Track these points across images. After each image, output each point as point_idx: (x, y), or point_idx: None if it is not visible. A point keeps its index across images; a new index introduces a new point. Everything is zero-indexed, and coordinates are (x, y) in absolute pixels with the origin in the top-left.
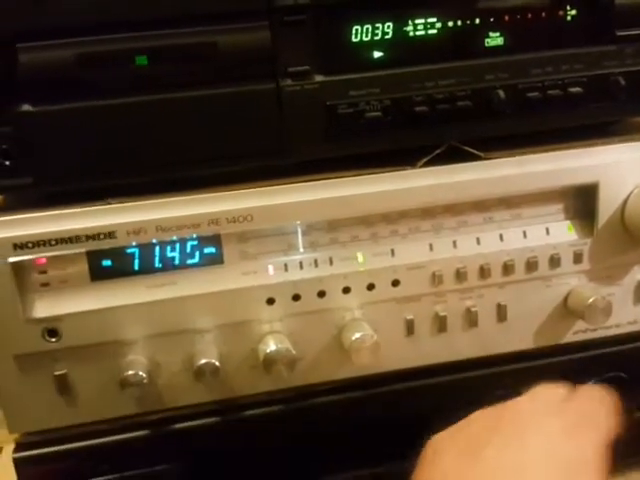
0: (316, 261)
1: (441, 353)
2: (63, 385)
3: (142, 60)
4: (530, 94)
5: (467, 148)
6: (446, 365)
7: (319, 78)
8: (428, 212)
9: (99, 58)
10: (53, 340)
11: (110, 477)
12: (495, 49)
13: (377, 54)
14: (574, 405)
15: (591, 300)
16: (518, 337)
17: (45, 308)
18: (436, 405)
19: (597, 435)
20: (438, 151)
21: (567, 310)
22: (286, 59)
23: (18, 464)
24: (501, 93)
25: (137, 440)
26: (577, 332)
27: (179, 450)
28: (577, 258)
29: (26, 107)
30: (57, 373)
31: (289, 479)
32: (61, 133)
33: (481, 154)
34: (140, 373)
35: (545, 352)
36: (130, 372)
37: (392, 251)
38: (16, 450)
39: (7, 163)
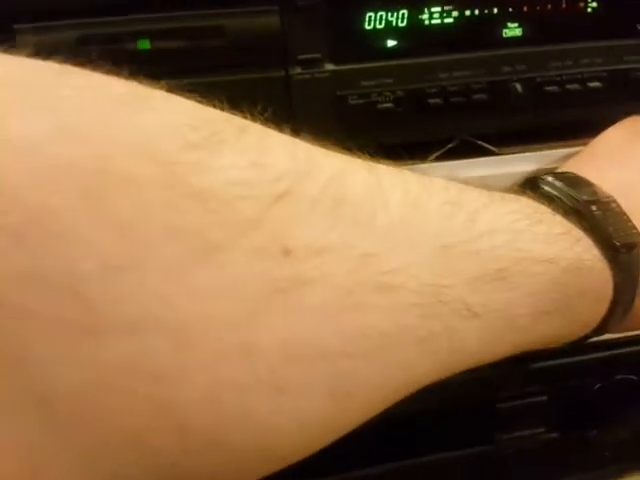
0: None
1: None
2: None
3: (144, 44)
4: (548, 88)
5: (481, 143)
6: None
7: (330, 67)
8: None
9: (99, 41)
10: None
11: None
12: (513, 40)
13: (391, 43)
14: None
15: None
16: None
17: None
18: (445, 404)
19: None
20: (450, 145)
21: None
22: (296, 46)
23: None
24: (518, 86)
25: None
26: None
27: None
28: None
29: None
30: None
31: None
32: None
33: (495, 149)
34: None
35: (550, 354)
36: None
37: None
38: None
39: None
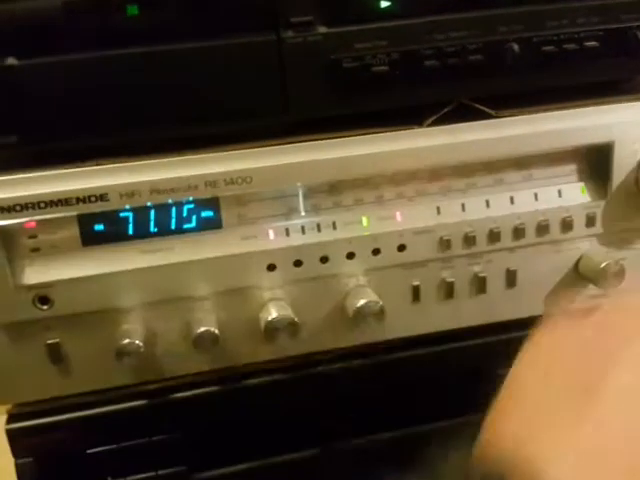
0: (319, 225)
1: (448, 320)
2: (56, 354)
3: (133, 10)
4: (545, 48)
5: (478, 106)
6: (453, 332)
7: (322, 30)
8: (436, 174)
9: (87, 7)
10: (44, 308)
11: (106, 448)
12: None
13: (384, 3)
14: None
15: (603, 265)
16: (527, 303)
17: (35, 274)
18: (442, 373)
19: None
20: (447, 109)
21: (578, 275)
22: (287, 9)
23: (11, 436)
24: (515, 46)
25: (134, 411)
26: (588, 298)
27: (177, 421)
28: (590, 221)
29: (10, 60)
30: (49, 342)
31: (291, 448)
32: (47, 88)
33: (492, 112)
34: (136, 342)
35: None
36: (126, 341)
37: (398, 214)
38: (9, 421)
39: None
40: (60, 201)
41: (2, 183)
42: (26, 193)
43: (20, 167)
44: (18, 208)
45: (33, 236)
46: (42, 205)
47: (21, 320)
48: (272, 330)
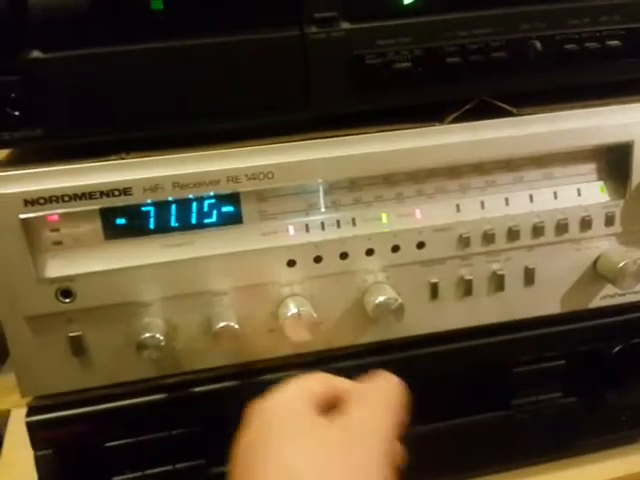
0: (338, 222)
1: (465, 318)
2: (78, 347)
3: (158, 4)
4: (567, 46)
5: (499, 103)
6: (470, 330)
7: (346, 25)
8: (455, 171)
9: (112, 1)
10: (67, 301)
11: (125, 441)
12: None
13: (407, 0)
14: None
15: (622, 264)
16: (545, 301)
17: (58, 268)
18: (461, 370)
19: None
20: (468, 106)
21: (596, 274)
22: (312, 4)
23: (31, 428)
24: (537, 44)
25: (153, 404)
26: (605, 297)
27: (196, 414)
28: (609, 220)
29: (36, 54)
30: (71, 335)
31: None
32: (73, 82)
33: (514, 110)
34: (157, 335)
35: (571, 317)
36: (147, 334)
37: (418, 212)
38: (29, 414)
39: (16, 114)
40: (84, 195)
41: (27, 176)
42: (50, 186)
43: (45, 160)
44: (42, 201)
45: (56, 229)
46: (66, 198)
47: (44, 313)
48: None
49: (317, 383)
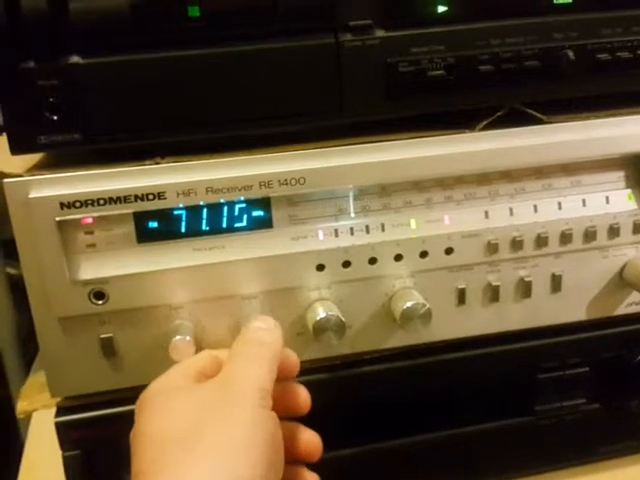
0: (367, 227)
1: (492, 324)
2: (109, 348)
3: (194, 11)
4: (599, 55)
5: (530, 111)
6: (495, 336)
7: (380, 33)
8: (484, 178)
9: (151, 7)
10: (99, 303)
11: None
12: (565, 6)
13: (441, 8)
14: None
15: None
16: (571, 308)
17: (91, 270)
18: (486, 375)
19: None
20: (499, 114)
21: (622, 282)
22: (346, 12)
23: (60, 428)
24: (570, 53)
25: None
26: (631, 304)
27: None
28: (636, 228)
29: (75, 59)
30: (103, 336)
31: (331, 448)
32: (111, 87)
33: (544, 117)
34: (187, 338)
35: (596, 324)
36: (177, 337)
37: (446, 218)
38: (57, 414)
39: (55, 118)
40: (119, 198)
41: (63, 180)
42: (86, 190)
43: (80, 164)
44: (78, 204)
45: (90, 232)
46: (101, 202)
47: (76, 314)
48: (319, 329)
49: (197, 358)
